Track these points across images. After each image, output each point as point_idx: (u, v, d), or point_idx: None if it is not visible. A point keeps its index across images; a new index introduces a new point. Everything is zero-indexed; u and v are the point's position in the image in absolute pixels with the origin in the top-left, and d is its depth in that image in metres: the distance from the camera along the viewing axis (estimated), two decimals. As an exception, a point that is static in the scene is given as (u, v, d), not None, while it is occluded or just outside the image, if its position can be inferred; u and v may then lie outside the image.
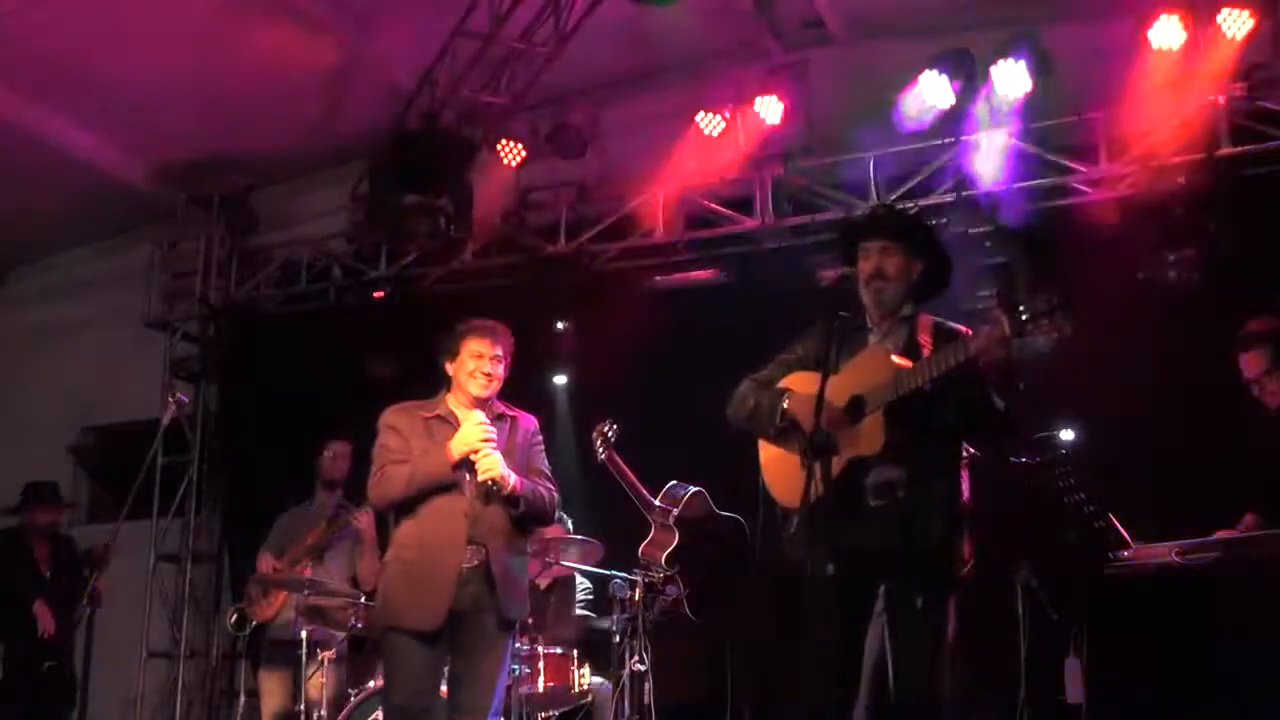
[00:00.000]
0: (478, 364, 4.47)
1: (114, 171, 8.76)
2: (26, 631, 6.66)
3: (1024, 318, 3.44)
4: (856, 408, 3.71)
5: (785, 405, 3.88)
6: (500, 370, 4.51)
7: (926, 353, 3.78)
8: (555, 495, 4.59)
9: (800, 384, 3.94)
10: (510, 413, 4.61)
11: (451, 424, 4.45)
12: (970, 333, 3.73)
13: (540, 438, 4.67)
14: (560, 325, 7.70)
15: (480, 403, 4.50)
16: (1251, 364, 4.56)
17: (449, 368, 4.54)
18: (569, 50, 7.26)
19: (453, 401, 4.53)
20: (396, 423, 4.51)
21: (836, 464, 3.61)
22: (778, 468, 4.00)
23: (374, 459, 4.48)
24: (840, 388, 3.69)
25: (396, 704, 4.34)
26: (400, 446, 4.44)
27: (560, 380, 7.69)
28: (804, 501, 3.53)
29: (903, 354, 3.80)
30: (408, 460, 4.39)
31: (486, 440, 4.33)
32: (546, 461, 4.66)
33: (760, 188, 7.43)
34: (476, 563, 4.34)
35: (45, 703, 6.76)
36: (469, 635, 4.34)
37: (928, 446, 3.74)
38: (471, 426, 4.35)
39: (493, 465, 4.31)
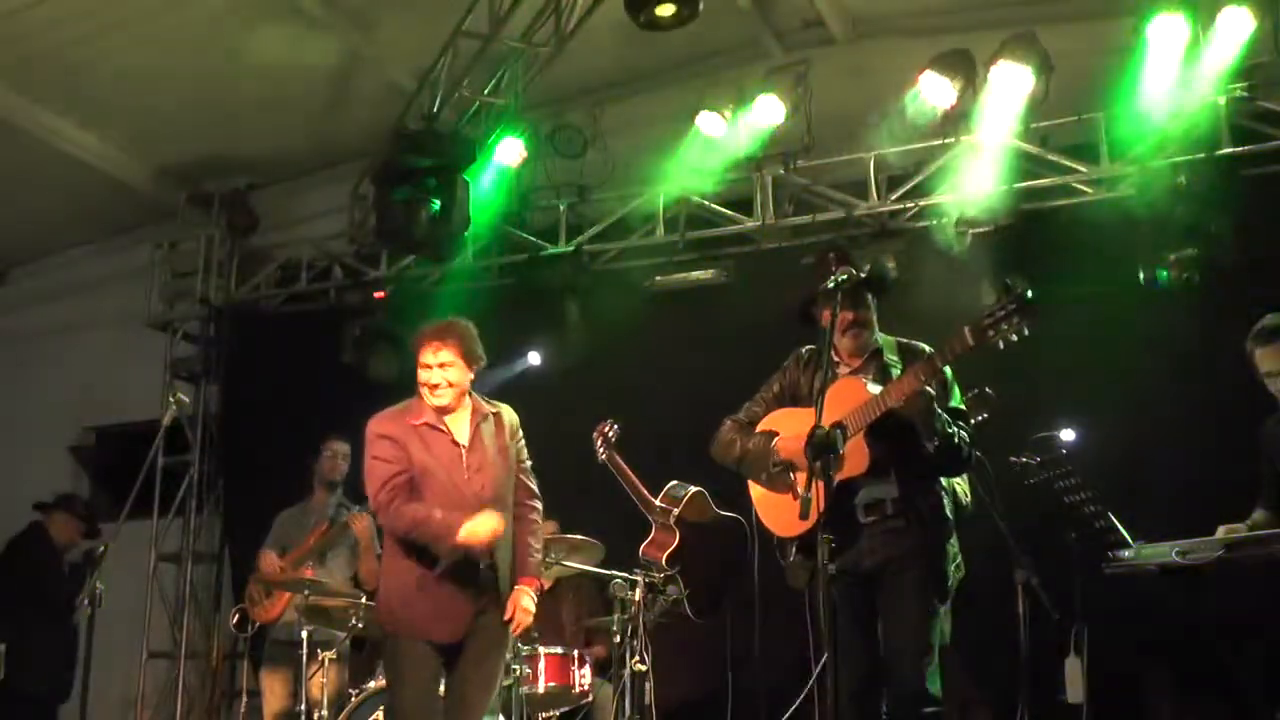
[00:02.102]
0: (425, 374, 4.42)
1: (114, 171, 8.76)
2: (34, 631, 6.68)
3: (987, 322, 3.66)
4: (840, 432, 3.84)
5: (778, 451, 4.12)
6: (451, 374, 4.41)
7: (896, 371, 4.05)
8: (540, 506, 4.64)
9: (782, 422, 4.16)
10: (492, 409, 4.57)
11: (442, 430, 4.43)
12: (929, 349, 4.04)
13: (521, 432, 4.67)
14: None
15: (445, 411, 4.45)
16: (1270, 358, 4.52)
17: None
18: (569, 50, 7.26)
19: (437, 407, 4.49)
20: (389, 430, 4.44)
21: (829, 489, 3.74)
22: (769, 501, 4.23)
23: (370, 471, 4.41)
24: (822, 417, 3.77)
25: (407, 706, 4.33)
26: (398, 455, 4.38)
27: (560, 380, 7.67)
28: (802, 512, 3.59)
29: (876, 377, 4.07)
30: (406, 470, 4.36)
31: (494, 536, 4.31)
32: (528, 456, 4.68)
33: (760, 188, 7.43)
34: (484, 567, 4.36)
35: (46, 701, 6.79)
36: (475, 637, 4.34)
37: (910, 463, 3.97)
38: (488, 523, 4.25)
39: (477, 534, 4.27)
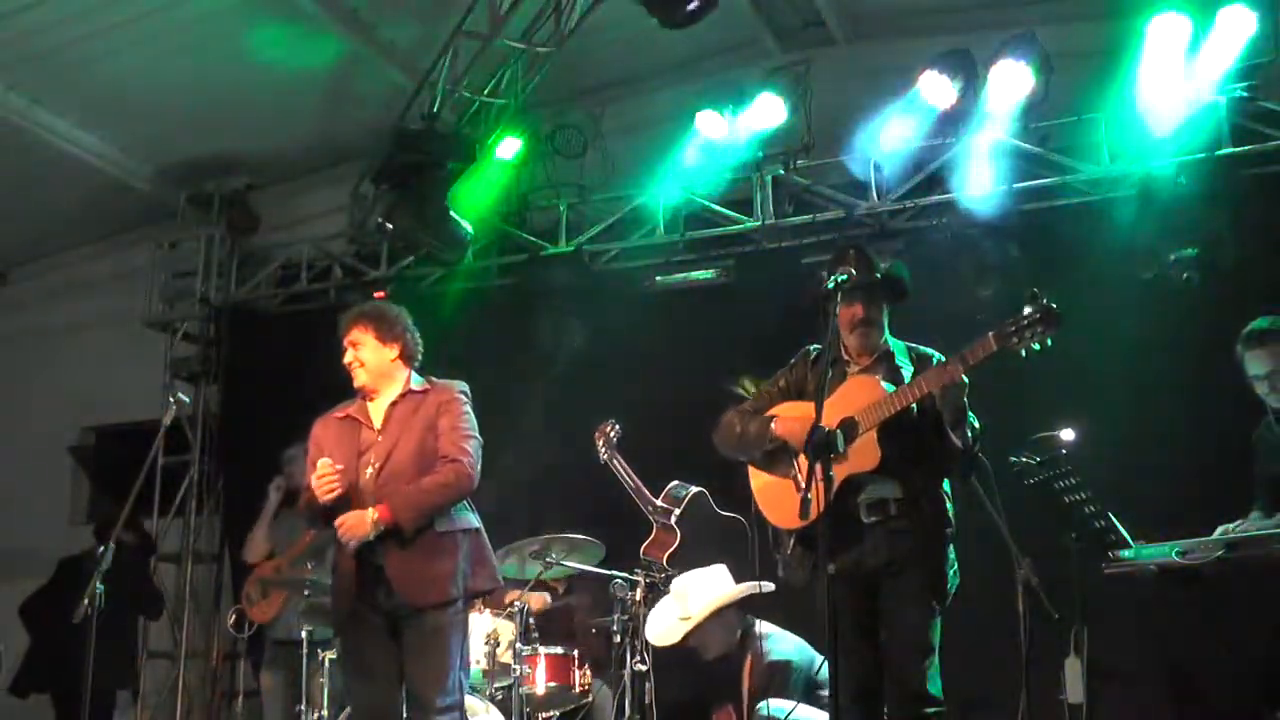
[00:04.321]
0: (345, 359, 4.48)
1: (114, 171, 8.77)
2: None
3: (1011, 329, 3.69)
4: (849, 429, 3.86)
5: (774, 428, 4.09)
6: (364, 354, 4.43)
7: (907, 374, 4.03)
8: (462, 465, 4.31)
9: (789, 411, 4.15)
10: (421, 389, 4.49)
11: (360, 421, 4.46)
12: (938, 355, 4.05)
13: (458, 399, 4.46)
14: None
15: (369, 394, 4.47)
16: (1257, 362, 4.53)
17: None
18: (569, 50, 7.26)
19: (367, 397, 4.51)
20: (317, 434, 4.54)
21: (834, 482, 3.73)
22: (769, 492, 4.20)
23: None
24: (830, 414, 3.80)
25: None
26: (313, 457, 4.45)
27: (560, 380, 7.67)
28: (802, 512, 3.59)
29: (887, 378, 4.04)
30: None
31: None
32: (463, 419, 4.42)
33: (760, 188, 7.43)
34: (380, 561, 4.30)
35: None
36: (408, 633, 4.30)
37: (918, 467, 3.96)
38: (361, 526, 4.23)
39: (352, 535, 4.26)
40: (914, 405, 3.89)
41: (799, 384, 4.24)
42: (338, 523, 4.23)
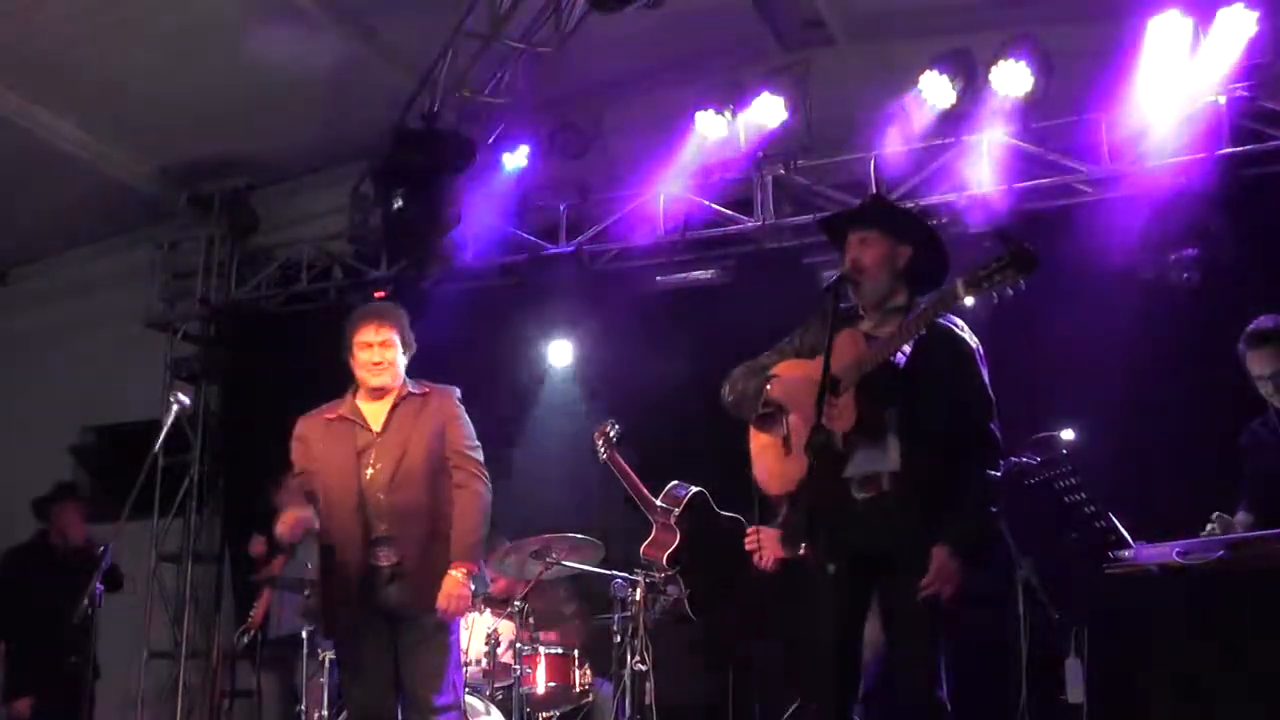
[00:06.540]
0: (367, 354, 4.43)
1: (114, 171, 8.77)
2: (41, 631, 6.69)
3: (981, 274, 3.45)
4: (832, 387, 3.63)
5: (770, 390, 3.90)
6: (392, 354, 4.43)
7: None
8: (481, 482, 4.44)
9: (788, 370, 3.95)
10: (420, 391, 4.51)
11: (355, 422, 4.45)
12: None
13: (458, 410, 4.53)
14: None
15: (379, 392, 4.46)
16: (1261, 362, 4.53)
17: (351, 365, 4.51)
18: (569, 50, 7.26)
19: (360, 397, 4.50)
20: (303, 432, 4.55)
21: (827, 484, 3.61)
22: (765, 456, 4.00)
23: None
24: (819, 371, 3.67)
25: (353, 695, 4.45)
26: (302, 459, 4.50)
27: (561, 380, 7.69)
28: (799, 496, 3.53)
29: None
30: (305, 472, 4.49)
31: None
32: (469, 436, 4.51)
33: (760, 188, 7.42)
34: (391, 562, 4.32)
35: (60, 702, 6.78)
36: (406, 633, 4.32)
37: (911, 435, 3.65)
38: (464, 598, 4.30)
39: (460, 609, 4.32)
40: (899, 363, 3.64)
41: (813, 343, 3.92)
42: (444, 607, 4.24)
